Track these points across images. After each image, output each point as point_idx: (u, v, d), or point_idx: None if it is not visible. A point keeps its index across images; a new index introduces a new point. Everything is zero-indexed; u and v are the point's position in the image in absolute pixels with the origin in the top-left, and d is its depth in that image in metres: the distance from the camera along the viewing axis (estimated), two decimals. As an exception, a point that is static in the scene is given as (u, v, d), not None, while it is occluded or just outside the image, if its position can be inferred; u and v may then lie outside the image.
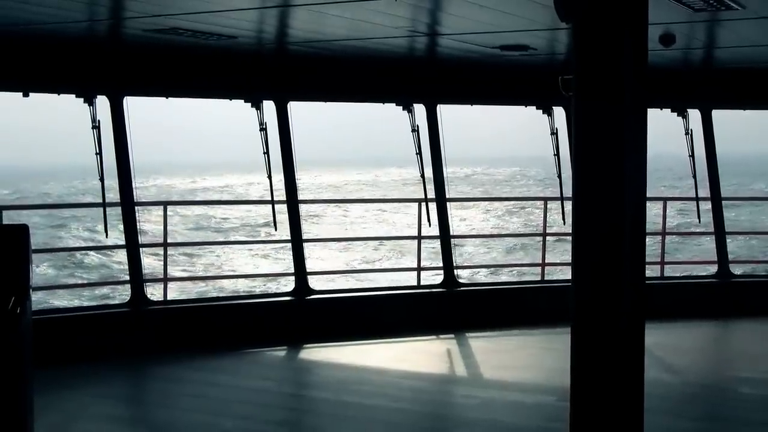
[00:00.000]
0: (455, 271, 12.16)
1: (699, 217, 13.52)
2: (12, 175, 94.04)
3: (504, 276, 24.10)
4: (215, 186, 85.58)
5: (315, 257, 33.78)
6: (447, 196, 12.18)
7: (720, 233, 13.06)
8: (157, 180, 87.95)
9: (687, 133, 12.70)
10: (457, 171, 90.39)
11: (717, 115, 12.77)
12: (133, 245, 10.53)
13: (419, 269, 12.82)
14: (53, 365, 9.03)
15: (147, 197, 58.12)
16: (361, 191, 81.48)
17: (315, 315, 11.34)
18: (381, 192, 78.73)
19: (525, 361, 10.47)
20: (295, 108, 11.35)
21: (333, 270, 27.80)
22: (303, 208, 11.68)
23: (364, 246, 37.52)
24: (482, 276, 25.27)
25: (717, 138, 12.74)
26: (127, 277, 10.78)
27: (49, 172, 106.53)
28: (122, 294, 11.37)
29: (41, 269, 31.77)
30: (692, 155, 12.75)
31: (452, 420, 8.57)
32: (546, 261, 13.40)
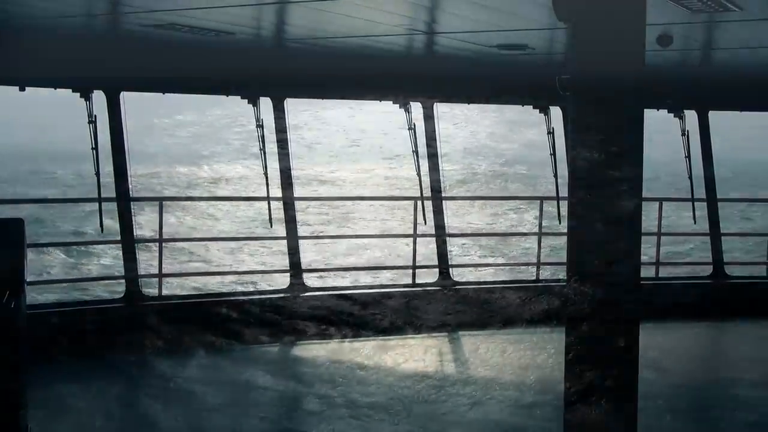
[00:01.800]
0: (450, 269, 12.16)
1: (694, 218, 13.52)
2: (9, 158, 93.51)
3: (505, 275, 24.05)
4: (232, 176, 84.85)
5: (331, 251, 33.95)
6: (443, 195, 12.19)
7: (715, 234, 13.07)
8: (159, 167, 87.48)
9: (683, 134, 12.71)
10: (460, 169, 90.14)
11: (720, 117, 12.79)
12: (127, 241, 10.51)
13: (414, 267, 12.80)
14: (48, 360, 9.02)
15: (156, 184, 58.17)
16: (365, 184, 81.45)
17: (310, 312, 11.33)
18: (390, 183, 78.75)
19: (519, 360, 10.47)
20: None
21: (330, 267, 27.70)
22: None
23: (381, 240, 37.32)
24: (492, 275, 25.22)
25: (721, 141, 12.75)
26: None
27: (48, 159, 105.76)
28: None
29: (59, 258, 31.79)
30: (688, 156, 12.75)
31: (446, 419, 8.57)
32: (541, 261, 13.41)
